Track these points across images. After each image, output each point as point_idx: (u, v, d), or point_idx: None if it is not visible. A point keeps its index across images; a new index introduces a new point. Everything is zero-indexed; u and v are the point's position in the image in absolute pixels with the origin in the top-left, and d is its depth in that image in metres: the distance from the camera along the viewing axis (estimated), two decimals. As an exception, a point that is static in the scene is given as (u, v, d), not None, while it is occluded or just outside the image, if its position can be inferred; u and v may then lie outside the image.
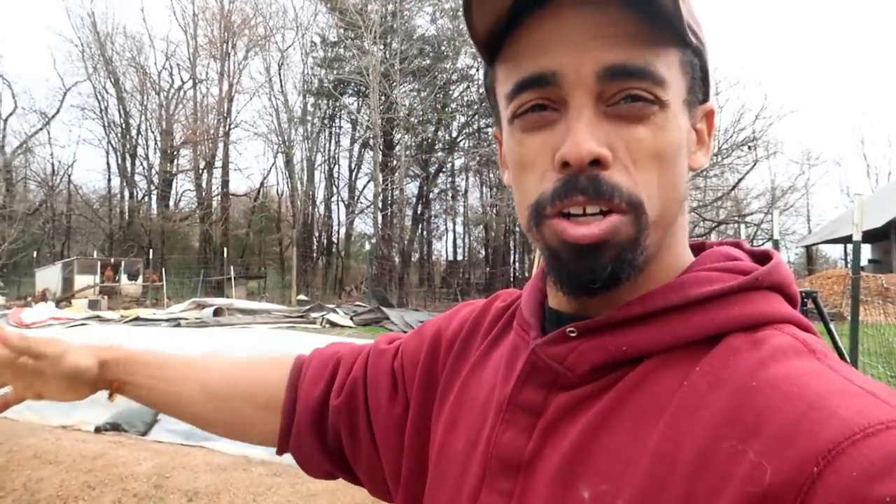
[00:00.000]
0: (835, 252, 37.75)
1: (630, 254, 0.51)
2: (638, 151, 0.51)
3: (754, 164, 26.91)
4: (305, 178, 36.03)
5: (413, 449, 0.71)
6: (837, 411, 0.40)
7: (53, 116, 39.00)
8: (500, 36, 0.55)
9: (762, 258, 0.58)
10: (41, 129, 38.94)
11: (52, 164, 39.79)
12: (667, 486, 0.44)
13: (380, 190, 30.68)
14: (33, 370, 0.83)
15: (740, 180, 27.80)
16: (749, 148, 26.08)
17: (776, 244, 8.76)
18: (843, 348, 4.10)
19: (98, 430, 5.40)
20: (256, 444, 0.87)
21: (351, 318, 15.68)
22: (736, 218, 29.00)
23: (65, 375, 0.83)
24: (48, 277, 26.42)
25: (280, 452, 0.84)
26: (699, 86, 0.56)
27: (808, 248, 32.35)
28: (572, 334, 0.54)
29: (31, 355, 0.82)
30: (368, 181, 35.34)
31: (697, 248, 0.62)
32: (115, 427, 5.40)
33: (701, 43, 0.55)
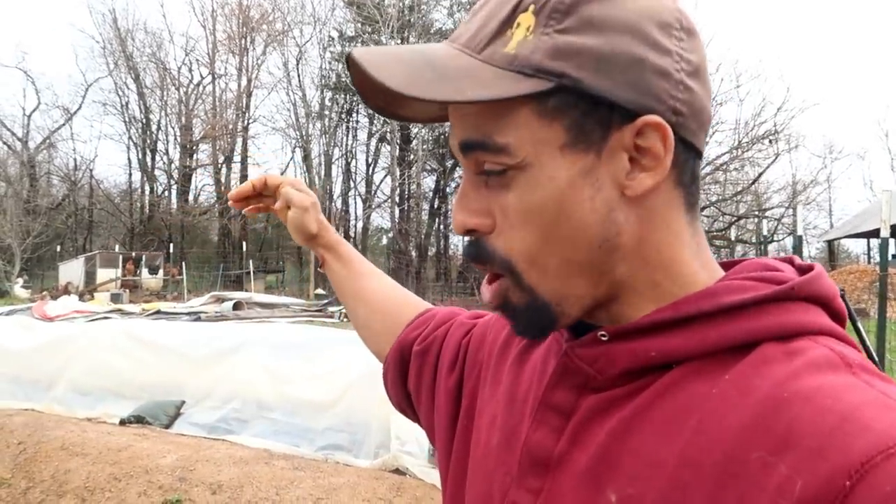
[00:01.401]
0: (857, 247, 37.23)
1: (535, 315, 0.55)
2: (509, 216, 0.53)
3: (775, 158, 26.58)
4: (323, 172, 36.12)
5: (465, 427, 0.74)
6: (871, 424, 0.39)
7: (76, 112, 39.52)
8: None
9: (808, 272, 0.56)
10: (64, 124, 39.49)
11: (75, 160, 40.41)
12: (692, 492, 0.44)
13: (397, 184, 30.72)
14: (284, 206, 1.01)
15: (761, 174, 27.48)
16: (770, 141, 25.75)
17: (799, 240, 8.66)
18: (871, 346, 4.02)
19: (122, 422, 5.49)
20: (373, 351, 1.00)
21: (369, 313, 15.71)
22: (756, 212, 28.68)
23: (294, 225, 1.01)
24: (71, 271, 26.77)
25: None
26: (596, 119, 0.51)
27: (829, 242, 31.92)
28: (604, 338, 0.55)
29: (289, 204, 1.01)
30: (385, 175, 35.36)
31: (729, 266, 0.60)
32: (139, 420, 5.48)
33: (569, 77, 0.49)
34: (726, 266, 0.60)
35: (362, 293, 1.01)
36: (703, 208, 26.81)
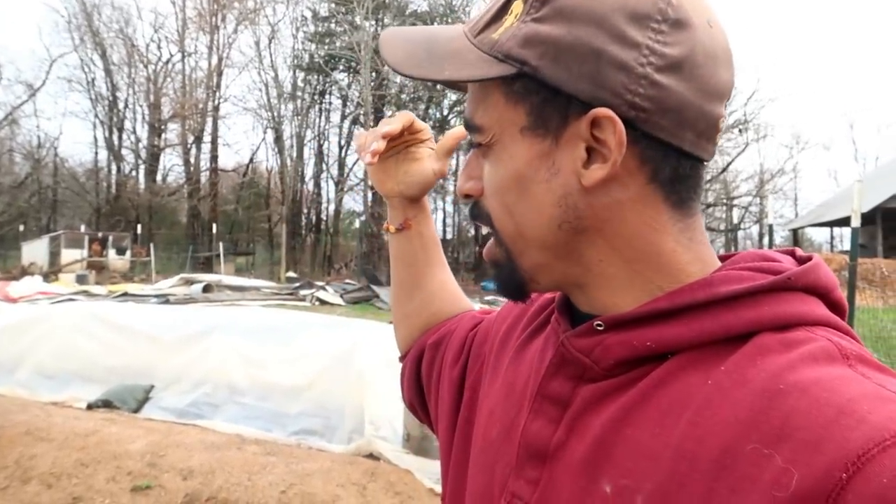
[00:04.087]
0: (820, 235, 38.05)
1: (509, 274, 0.60)
2: (488, 185, 0.59)
3: (744, 148, 27.01)
4: (295, 154, 35.76)
5: (465, 419, 0.74)
6: (867, 416, 0.39)
7: (39, 88, 38.44)
8: None
9: (805, 260, 0.56)
10: (27, 100, 38.38)
11: (38, 137, 39.35)
12: (687, 483, 0.44)
13: (370, 167, 30.45)
14: (413, 156, 0.90)
15: (730, 163, 27.91)
16: (739, 131, 26.12)
17: (770, 228, 8.80)
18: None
19: (90, 406, 5.39)
20: (403, 343, 0.96)
21: (341, 296, 15.67)
22: (725, 200, 29.11)
23: (418, 179, 0.89)
24: (35, 251, 26.17)
25: (400, 359, 0.97)
26: (554, 107, 0.52)
27: (794, 231, 32.59)
28: (600, 328, 0.54)
29: (441, 157, 0.90)
30: (358, 158, 35.05)
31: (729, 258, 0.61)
32: (106, 404, 5.39)
33: (530, 65, 0.52)
34: (725, 260, 0.59)
35: (430, 282, 0.94)
36: (674, 196, 27.15)
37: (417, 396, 0.91)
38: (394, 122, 0.84)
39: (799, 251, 0.58)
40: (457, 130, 0.89)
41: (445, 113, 36.13)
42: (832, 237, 31.58)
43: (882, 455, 0.37)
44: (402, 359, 0.96)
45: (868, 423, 0.39)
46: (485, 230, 0.62)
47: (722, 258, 0.59)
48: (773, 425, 0.42)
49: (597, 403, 0.54)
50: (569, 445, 0.54)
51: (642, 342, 0.52)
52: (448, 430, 0.77)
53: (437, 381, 0.85)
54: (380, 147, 0.81)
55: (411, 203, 0.92)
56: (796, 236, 32.68)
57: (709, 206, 27.86)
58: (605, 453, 0.51)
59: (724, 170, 28.06)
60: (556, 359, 0.58)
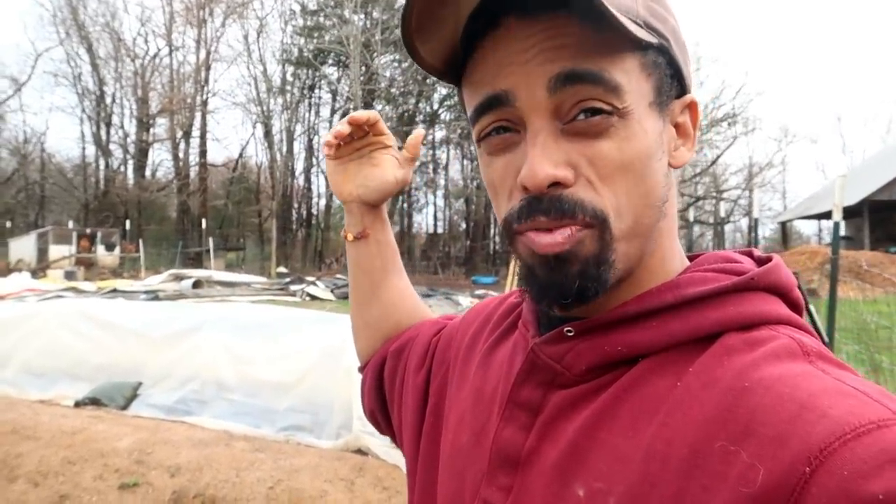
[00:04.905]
0: (808, 228, 38.32)
1: (595, 269, 0.51)
2: (602, 166, 0.51)
3: (733, 141, 27.11)
4: (285, 148, 35.64)
5: (432, 425, 0.73)
6: (828, 411, 0.40)
7: (25, 83, 38.08)
8: (459, 60, 0.57)
9: (767, 263, 0.58)
10: (12, 95, 37.99)
11: (25, 132, 38.97)
12: (658, 484, 0.45)
13: (360, 162, 30.34)
14: (375, 159, 0.87)
15: (719, 156, 28.01)
16: (728, 124, 26.22)
17: (755, 222, 8.86)
18: (819, 325, 4.18)
19: (77, 404, 5.37)
20: (364, 353, 0.94)
21: (331, 291, 15.65)
22: (714, 194, 29.22)
23: (379, 184, 0.86)
24: (23, 248, 25.96)
25: (360, 369, 0.94)
26: (668, 83, 0.54)
27: (783, 224, 32.76)
28: (570, 334, 0.55)
29: (405, 165, 0.88)
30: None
31: (694, 258, 0.62)
32: (94, 402, 5.37)
33: (665, 39, 0.53)
34: (692, 258, 0.61)
35: (388, 290, 0.91)
36: (663, 189, 27.26)
37: (379, 406, 0.89)
38: (358, 115, 0.82)
39: (756, 252, 0.61)
40: (418, 133, 0.88)
41: (436, 107, 36.09)
42: (820, 230, 31.81)
43: (843, 448, 0.38)
44: (361, 369, 0.94)
45: (829, 418, 0.40)
46: (556, 225, 0.51)
47: (691, 257, 0.62)
48: (739, 422, 0.43)
49: (569, 409, 0.54)
50: (541, 452, 0.55)
51: (613, 347, 0.53)
52: (414, 438, 0.76)
53: (400, 389, 0.83)
54: (342, 130, 0.79)
55: (369, 209, 0.89)
56: (784, 229, 32.86)
57: (698, 199, 27.96)
58: (579, 458, 0.51)
59: (712, 163, 28.16)
60: (527, 365, 0.58)
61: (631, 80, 0.51)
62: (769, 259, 0.57)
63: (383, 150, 0.87)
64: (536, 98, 0.50)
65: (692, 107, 0.58)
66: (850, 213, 23.61)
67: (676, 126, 0.57)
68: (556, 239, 0.51)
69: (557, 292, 0.52)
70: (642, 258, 0.55)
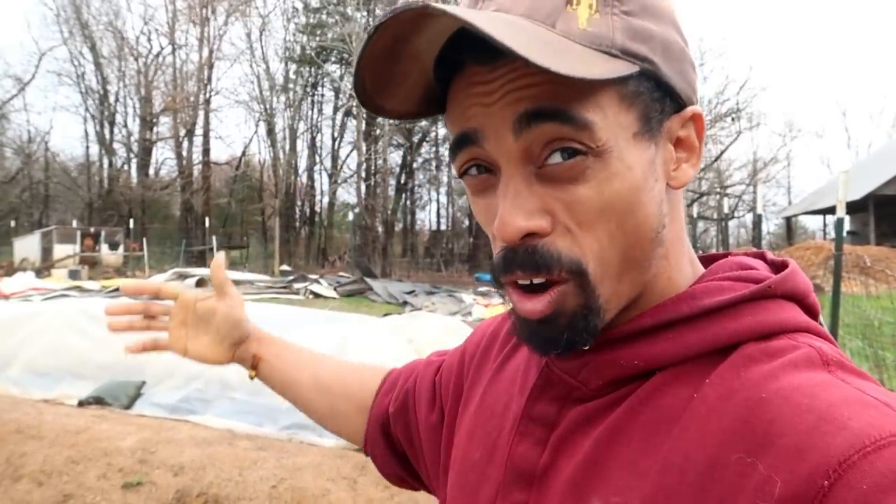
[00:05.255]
0: (814, 223, 38.17)
1: (582, 321, 0.50)
2: (580, 213, 0.48)
3: (737, 136, 27.04)
4: (287, 146, 35.67)
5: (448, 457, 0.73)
6: (848, 423, 0.39)
7: (29, 82, 38.20)
8: (438, 94, 0.55)
9: (782, 268, 0.56)
10: (16, 94, 38.13)
11: (29, 131, 39.09)
12: (675, 497, 0.44)
13: (363, 159, 30.44)
14: (206, 313, 0.90)
15: (723, 152, 27.95)
16: (732, 119, 26.15)
17: (759, 218, 8.83)
18: (822, 321, 4.14)
19: (81, 403, 5.39)
20: (346, 439, 0.94)
21: (335, 289, 15.67)
22: (718, 189, 29.16)
23: (230, 323, 0.90)
24: (27, 247, 26.04)
25: (366, 453, 0.91)
26: (658, 107, 0.50)
27: (788, 219, 32.68)
28: (585, 348, 0.54)
29: (224, 293, 0.91)
30: (352, 150, 35.05)
31: (709, 260, 0.61)
32: (98, 401, 5.38)
33: (649, 61, 0.49)
34: (708, 261, 0.60)
35: (321, 380, 0.92)
36: (667, 185, 27.26)
37: (402, 468, 0.87)
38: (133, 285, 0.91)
39: (769, 254, 0.59)
40: (217, 259, 0.91)
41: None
42: (825, 225, 31.67)
43: (863, 461, 0.37)
44: (364, 449, 0.91)
45: (849, 430, 0.39)
46: (536, 279, 0.50)
47: (705, 257, 0.61)
48: (757, 434, 0.42)
49: (585, 424, 0.53)
50: (557, 467, 0.54)
51: (630, 361, 0.52)
52: (443, 478, 0.73)
53: (419, 442, 0.81)
54: (117, 307, 0.90)
55: (247, 343, 0.92)
56: (789, 224, 32.79)
57: (702, 195, 27.91)
58: (595, 473, 0.50)
59: (717, 158, 28.11)
60: (542, 380, 0.58)
61: (607, 115, 0.47)
62: (784, 263, 0.56)
63: (196, 305, 0.90)
64: (504, 143, 0.48)
65: (696, 119, 0.53)
66: (854, 207, 23.54)
67: (678, 141, 0.53)
68: (537, 307, 0.50)
69: (544, 348, 0.53)
70: (645, 285, 0.53)
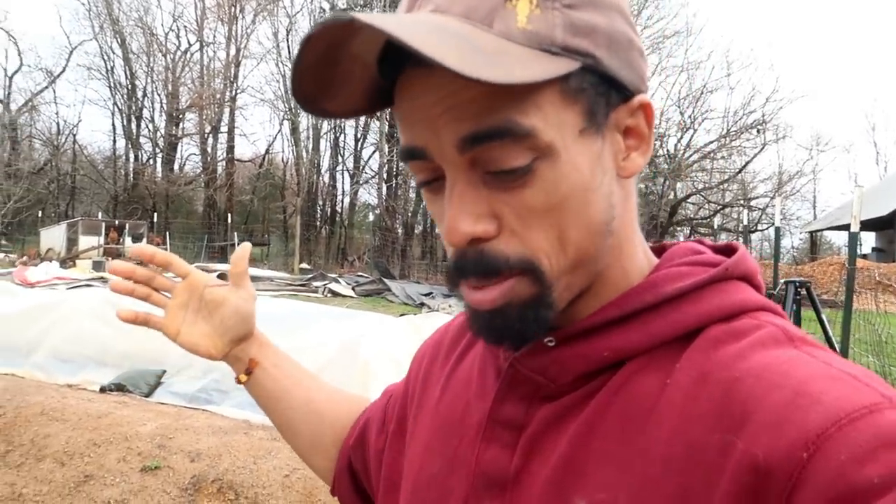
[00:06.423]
0: (839, 239, 37.67)
1: (533, 312, 0.50)
2: (527, 215, 0.48)
3: (762, 148, 26.75)
4: (311, 146, 35.92)
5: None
6: (822, 397, 0.41)
7: (59, 75, 39.01)
8: (385, 88, 0.53)
9: (726, 251, 0.58)
10: (46, 87, 39.00)
11: (58, 124, 40.03)
12: (662, 485, 0.44)
13: (385, 160, 30.58)
14: (213, 301, 0.83)
15: (747, 163, 27.64)
16: (758, 131, 25.90)
17: (777, 231, 8.80)
18: (833, 337, 4.14)
19: (103, 389, 5.51)
20: (318, 473, 0.88)
21: (353, 289, 15.78)
22: (741, 201, 28.88)
23: (239, 316, 0.83)
24: (53, 237, 26.51)
25: (333, 492, 0.86)
26: (603, 100, 0.49)
27: (812, 234, 32.29)
28: (551, 344, 0.53)
29: (240, 284, 0.84)
30: (374, 151, 35.20)
31: (658, 250, 0.61)
32: (119, 388, 5.51)
33: (591, 56, 0.47)
34: (657, 251, 0.60)
35: (313, 403, 0.86)
36: (689, 196, 26.97)
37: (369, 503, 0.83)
38: (143, 249, 0.83)
39: (706, 241, 0.61)
40: (242, 248, 0.85)
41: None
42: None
43: (839, 433, 0.38)
44: (331, 489, 0.86)
45: (823, 404, 0.40)
46: (471, 282, 0.50)
47: (653, 248, 0.61)
48: (734, 413, 0.43)
49: (557, 422, 0.53)
50: (530, 469, 0.53)
51: (599, 353, 0.52)
52: (390, 497, 0.71)
53: (374, 469, 0.78)
54: (125, 268, 0.81)
55: (246, 343, 0.85)
56: (813, 239, 32.40)
57: (724, 206, 27.66)
58: (575, 470, 0.50)
59: (740, 170, 27.82)
60: (506, 381, 0.57)
61: (547, 115, 0.46)
62: (728, 246, 0.58)
63: (207, 289, 0.83)
64: (449, 157, 0.48)
65: (644, 107, 0.52)
66: (881, 224, 23.19)
67: (627, 130, 0.52)
68: (488, 296, 0.50)
69: (496, 338, 0.52)
70: (596, 277, 0.53)
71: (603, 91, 0.49)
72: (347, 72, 0.50)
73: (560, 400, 0.53)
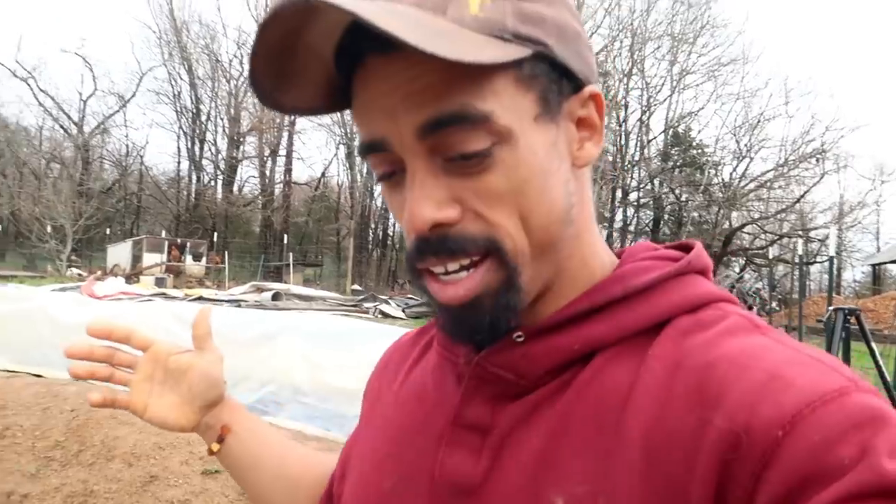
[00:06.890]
0: (904, 273, 36.19)
1: (504, 299, 0.50)
2: (488, 199, 0.48)
3: (821, 178, 26.02)
4: (365, 170, 36.53)
5: None
6: (795, 381, 0.43)
7: (130, 99, 40.88)
8: (342, 85, 0.53)
9: (681, 248, 0.60)
10: (118, 111, 40.91)
11: (127, 146, 41.93)
12: (645, 472, 0.45)
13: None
14: (178, 369, 0.78)
15: (805, 193, 26.89)
16: (817, 160, 25.26)
17: (831, 261, 8.63)
18: (887, 371, 4.04)
19: (166, 398, 5.77)
20: None
21: (403, 310, 15.96)
22: (799, 232, 28.11)
23: (207, 381, 0.78)
24: (119, 254, 27.53)
25: None
26: (556, 89, 0.51)
27: (874, 267, 31.15)
28: (520, 339, 0.53)
29: (203, 348, 0.80)
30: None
31: (616, 254, 0.62)
32: (181, 396, 5.76)
33: (542, 44, 0.48)
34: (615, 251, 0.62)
35: (286, 469, 0.82)
36: (744, 225, 26.36)
37: None
38: (99, 327, 0.77)
39: (657, 245, 0.62)
40: (202, 311, 0.82)
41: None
42: (916, 275, 30.06)
43: (812, 415, 0.40)
44: None
45: (796, 387, 0.42)
46: (451, 265, 0.50)
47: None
48: (709, 395, 0.44)
49: (526, 419, 0.52)
50: (501, 471, 0.51)
51: (569, 346, 0.52)
52: None
53: None
54: (80, 350, 0.75)
55: (217, 409, 0.81)
56: (876, 272, 31.23)
57: (781, 237, 26.94)
58: (550, 466, 0.49)
59: (798, 200, 27.08)
60: (473, 382, 0.55)
61: (503, 100, 0.47)
62: (681, 245, 0.60)
63: (170, 358, 0.78)
64: (408, 145, 0.48)
65: (595, 98, 0.53)
66: (948, 258, 22.22)
67: (579, 121, 0.53)
68: (459, 292, 0.50)
69: (468, 333, 0.52)
70: (560, 266, 0.54)
71: (555, 79, 0.50)
72: (303, 65, 0.50)
73: (528, 397, 0.53)
